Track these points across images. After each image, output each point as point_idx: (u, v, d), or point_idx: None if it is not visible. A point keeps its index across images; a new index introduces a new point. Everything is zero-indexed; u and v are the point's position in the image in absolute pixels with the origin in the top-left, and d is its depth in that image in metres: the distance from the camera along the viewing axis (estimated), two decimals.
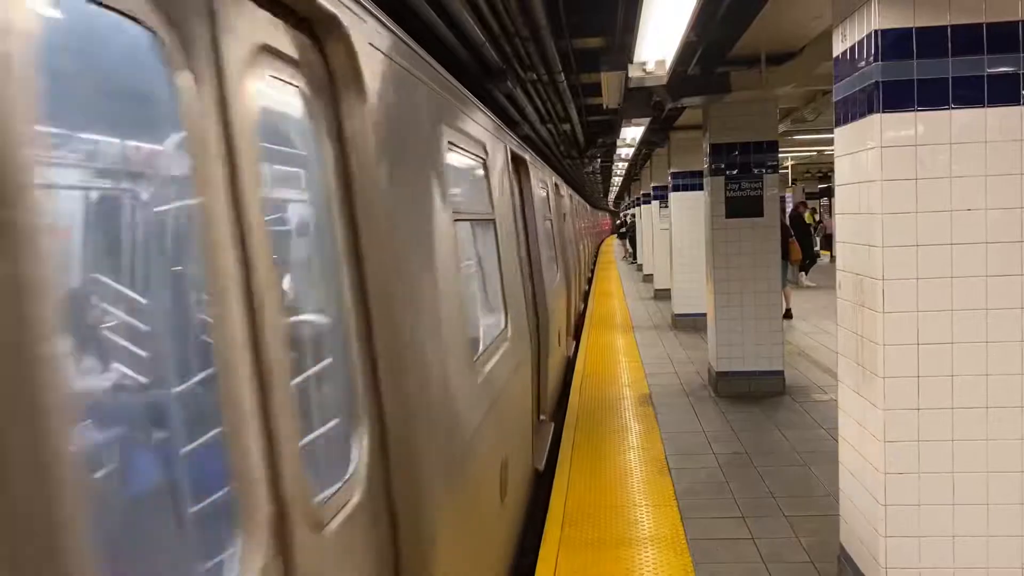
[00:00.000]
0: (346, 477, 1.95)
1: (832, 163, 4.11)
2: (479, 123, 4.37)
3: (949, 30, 3.30)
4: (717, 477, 5.80)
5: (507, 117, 8.32)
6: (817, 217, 24.85)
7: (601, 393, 8.44)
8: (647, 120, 9.60)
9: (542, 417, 6.35)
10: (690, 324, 12.27)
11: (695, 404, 7.91)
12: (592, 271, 25.66)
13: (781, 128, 10.05)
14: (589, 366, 9.92)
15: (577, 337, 12.10)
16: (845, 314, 3.85)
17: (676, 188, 12.68)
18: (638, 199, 24.82)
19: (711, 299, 8.45)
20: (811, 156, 22.91)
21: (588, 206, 33.84)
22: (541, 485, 5.79)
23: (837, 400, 4.05)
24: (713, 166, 8.25)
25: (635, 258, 28.17)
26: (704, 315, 9.13)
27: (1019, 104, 3.28)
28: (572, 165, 20.39)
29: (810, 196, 27.35)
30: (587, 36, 6.93)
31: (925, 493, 3.43)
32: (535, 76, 7.41)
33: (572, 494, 5.47)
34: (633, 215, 31.79)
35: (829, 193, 28.22)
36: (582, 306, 15.46)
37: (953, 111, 3.33)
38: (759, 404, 7.76)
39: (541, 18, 5.48)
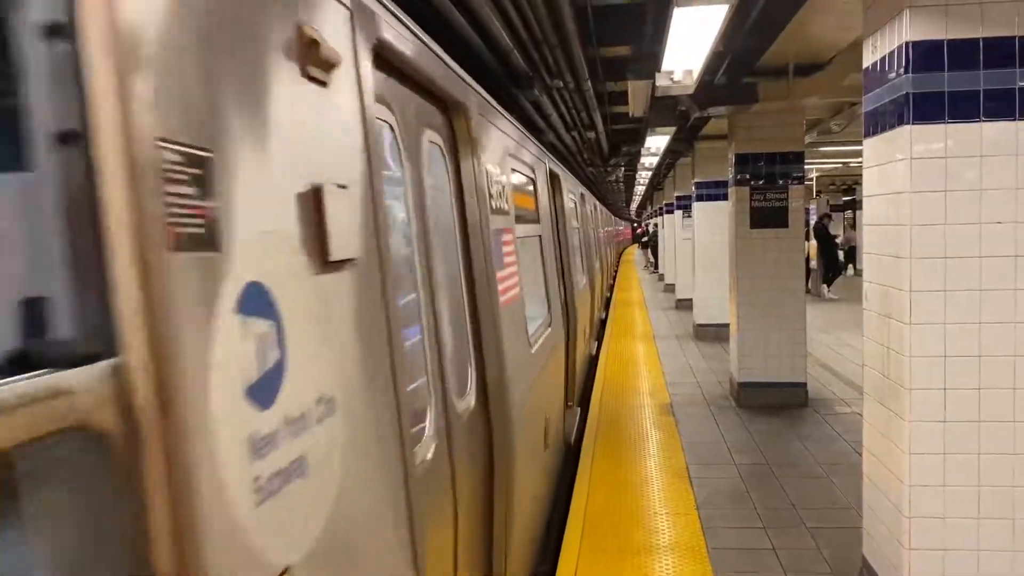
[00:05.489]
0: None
1: (858, 175, 4.11)
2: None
3: (981, 43, 3.30)
4: (738, 487, 5.79)
5: (532, 124, 8.36)
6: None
7: (622, 402, 8.44)
8: (672, 129, 9.61)
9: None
10: (712, 334, 12.24)
11: (716, 414, 7.89)
12: (614, 279, 25.63)
13: (807, 139, 10.02)
14: (610, 374, 9.92)
15: (599, 337, 12.18)
16: (871, 325, 3.85)
17: (700, 198, 12.66)
18: (660, 208, 24.78)
19: (734, 309, 8.42)
20: (836, 168, 22.78)
21: (610, 215, 33.81)
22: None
23: (862, 411, 4.04)
24: (738, 176, 8.23)
25: (656, 267, 28.09)
26: (726, 325, 9.11)
27: None
28: (595, 173, 20.40)
29: (835, 208, 27.18)
30: (615, 45, 6.96)
31: (950, 506, 3.42)
32: (562, 83, 7.45)
33: (592, 500, 5.48)
34: (655, 224, 31.72)
35: (854, 206, 28.02)
36: (603, 314, 15.43)
37: (984, 124, 3.32)
38: (781, 415, 7.73)
39: (570, 26, 5.52)
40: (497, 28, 5.03)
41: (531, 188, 5.50)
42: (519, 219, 4.57)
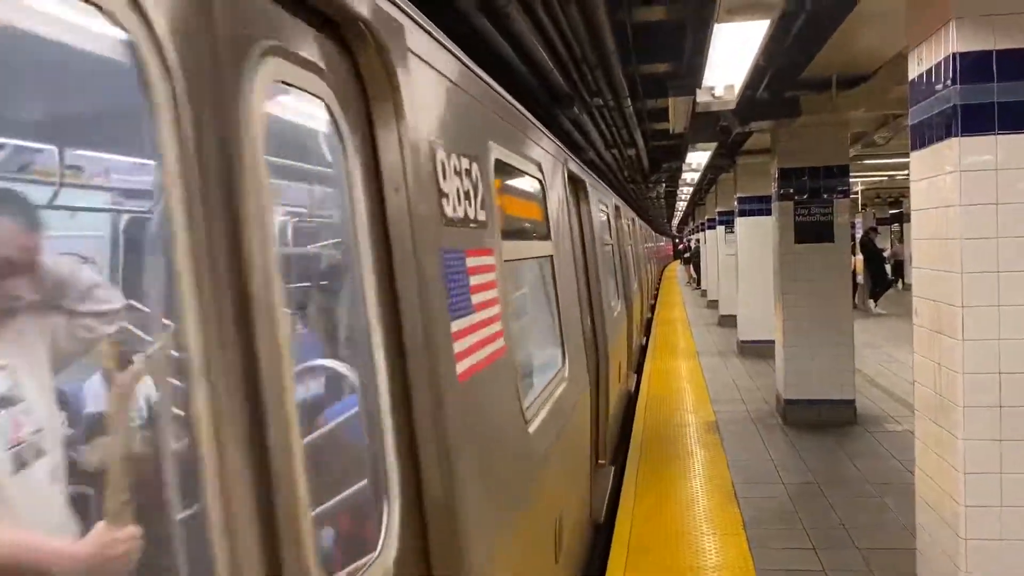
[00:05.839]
0: None
1: (904, 188, 4.04)
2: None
3: None
4: (787, 507, 5.68)
5: (572, 142, 8.37)
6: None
7: (666, 419, 8.35)
8: (713, 145, 9.56)
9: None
10: (756, 351, 12.07)
11: (763, 432, 7.77)
12: (655, 297, 25.45)
13: (851, 152, 9.88)
14: (653, 392, 9.83)
15: (640, 366, 11.85)
16: (922, 341, 3.77)
17: (743, 213, 12.56)
18: (702, 224, 24.62)
19: (780, 325, 8.31)
20: (882, 181, 22.42)
21: (651, 231, 33.65)
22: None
23: (913, 429, 3.95)
24: (782, 191, 8.15)
25: (699, 284, 27.88)
26: (771, 342, 8.99)
27: None
28: (636, 190, 20.34)
29: (881, 222, 26.72)
30: (655, 62, 6.95)
31: (1008, 527, 3.31)
32: (601, 102, 7.45)
33: (638, 521, 5.42)
34: (697, 240, 31.50)
35: (900, 219, 27.51)
36: (644, 339, 14.98)
37: None
38: (830, 433, 7.58)
39: (609, 44, 5.53)
40: (535, 46, 5.06)
41: (537, 192, 4.15)
42: (512, 234, 3.33)
